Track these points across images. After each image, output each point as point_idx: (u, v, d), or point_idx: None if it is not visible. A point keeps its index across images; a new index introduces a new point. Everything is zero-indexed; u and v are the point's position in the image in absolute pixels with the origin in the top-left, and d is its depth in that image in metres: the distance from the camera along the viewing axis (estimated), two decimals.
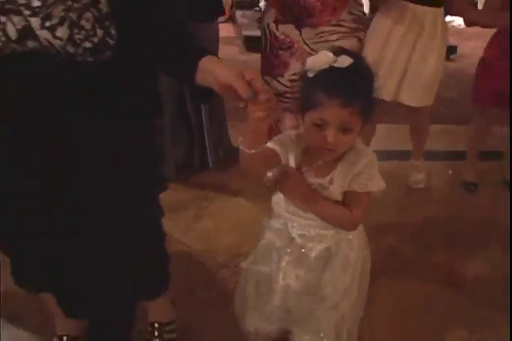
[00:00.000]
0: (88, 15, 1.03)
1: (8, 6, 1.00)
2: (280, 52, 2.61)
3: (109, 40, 1.07)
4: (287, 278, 1.36)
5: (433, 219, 2.67)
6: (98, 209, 1.28)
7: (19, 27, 1.01)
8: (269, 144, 1.25)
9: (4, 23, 1.01)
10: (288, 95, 2.59)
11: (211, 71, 1.06)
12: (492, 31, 2.75)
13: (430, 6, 2.53)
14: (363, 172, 1.23)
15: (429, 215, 2.69)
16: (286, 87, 2.60)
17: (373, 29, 2.62)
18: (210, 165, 2.96)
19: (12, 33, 1.01)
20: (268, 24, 2.60)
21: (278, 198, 1.34)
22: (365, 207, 1.29)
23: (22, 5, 1.00)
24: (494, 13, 2.56)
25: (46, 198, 1.24)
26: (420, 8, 2.52)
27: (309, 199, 1.26)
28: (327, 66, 1.12)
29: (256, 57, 2.90)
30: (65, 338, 1.71)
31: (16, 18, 1.01)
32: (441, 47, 2.64)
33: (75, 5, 1.02)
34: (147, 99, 1.30)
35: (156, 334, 1.79)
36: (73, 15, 1.02)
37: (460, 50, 5.27)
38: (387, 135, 3.40)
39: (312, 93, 1.14)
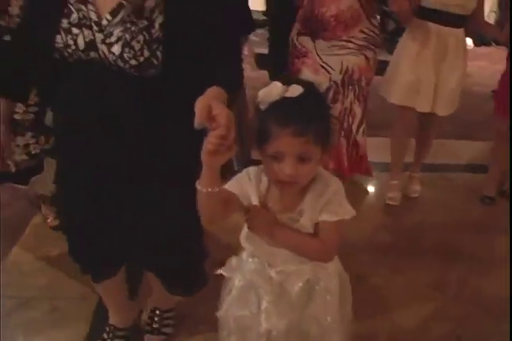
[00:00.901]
0: (140, 37, 1.21)
1: (83, 21, 1.22)
2: (296, 60, 2.87)
3: (154, 61, 1.22)
4: (270, 319, 1.28)
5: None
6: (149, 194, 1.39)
7: (87, 39, 1.22)
8: (227, 186, 1.20)
9: (77, 35, 1.22)
10: None
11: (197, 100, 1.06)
12: (499, 51, 2.91)
13: (454, 26, 2.70)
14: (332, 200, 1.19)
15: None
16: None
17: (402, 49, 2.81)
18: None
19: (81, 43, 1.22)
20: (292, 38, 2.88)
21: (250, 237, 1.27)
22: (337, 235, 1.24)
23: (94, 22, 1.22)
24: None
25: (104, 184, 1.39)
26: (444, 29, 2.69)
27: (279, 235, 1.20)
28: (278, 97, 1.10)
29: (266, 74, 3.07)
30: (112, 328, 1.88)
31: (86, 32, 1.22)
32: (464, 61, 2.81)
33: (132, 28, 1.21)
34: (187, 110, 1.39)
35: (156, 319, 1.94)
36: (128, 37, 1.21)
37: (467, 68, 5.49)
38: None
39: (265, 125, 1.10)
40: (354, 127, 2.94)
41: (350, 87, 2.83)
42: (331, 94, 2.79)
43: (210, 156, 0.98)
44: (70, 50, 1.23)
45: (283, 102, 1.09)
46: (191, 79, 1.20)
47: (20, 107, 2.19)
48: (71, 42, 1.23)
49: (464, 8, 2.66)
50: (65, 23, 1.23)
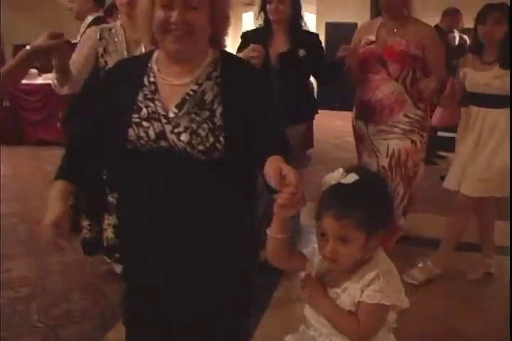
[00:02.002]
0: (204, 126, 1.34)
1: (152, 115, 1.36)
2: (359, 144, 3.01)
3: (218, 145, 1.34)
4: None
5: None
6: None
7: (157, 131, 1.35)
8: (303, 250, 1.37)
9: (148, 127, 1.35)
10: None
11: (265, 166, 1.25)
12: None
13: (489, 107, 2.65)
14: (374, 282, 1.23)
15: None
16: None
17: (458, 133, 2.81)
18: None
19: (152, 134, 1.35)
20: (353, 121, 3.02)
21: (307, 307, 1.37)
22: (375, 320, 1.26)
23: (162, 115, 1.36)
24: None
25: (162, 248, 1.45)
26: (480, 110, 2.65)
27: (322, 306, 1.29)
28: (335, 182, 1.24)
29: None
30: None
31: (156, 124, 1.35)
32: (508, 145, 2.66)
33: (197, 118, 1.35)
34: (246, 192, 1.50)
35: None
36: (194, 126, 1.34)
37: None
38: None
39: (319, 204, 1.25)
40: (394, 209, 2.93)
41: (397, 170, 2.85)
42: None
43: (281, 209, 1.17)
44: (142, 141, 1.36)
45: (336, 187, 1.24)
46: (250, 158, 1.35)
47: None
48: (143, 134, 1.35)
49: (494, 88, 2.62)
50: (135, 117, 1.36)
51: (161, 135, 1.34)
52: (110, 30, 2.42)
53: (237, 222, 1.47)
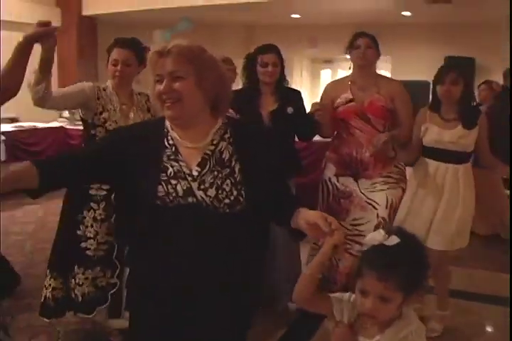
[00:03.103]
0: (228, 181, 1.50)
1: (179, 174, 1.49)
2: (342, 200, 3.03)
3: (240, 198, 1.49)
4: None
5: None
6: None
7: (184, 188, 1.48)
8: (331, 295, 1.45)
9: (176, 184, 1.48)
10: (349, 237, 2.91)
11: (303, 216, 1.45)
12: None
13: (452, 163, 2.77)
14: (408, 338, 1.34)
15: None
16: (348, 229, 2.97)
17: (412, 185, 2.91)
18: None
19: (180, 191, 1.47)
20: (329, 178, 3.08)
21: None
22: None
23: (187, 174, 1.49)
24: None
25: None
26: (443, 165, 2.77)
27: None
28: (378, 243, 1.33)
29: None
30: None
31: (183, 182, 1.48)
32: (469, 198, 2.80)
33: (220, 175, 1.50)
34: (263, 243, 1.65)
35: None
36: (219, 182, 1.49)
37: None
38: None
39: (360, 264, 1.35)
40: None
41: (394, 219, 2.94)
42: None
43: (332, 249, 1.35)
44: (171, 197, 1.48)
45: (379, 248, 1.32)
46: (268, 210, 1.54)
47: (92, 244, 2.56)
48: (171, 190, 1.48)
49: (460, 146, 2.75)
50: (163, 176, 1.49)
51: (188, 191, 1.47)
52: (104, 89, 2.63)
53: (252, 269, 1.59)
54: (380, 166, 2.93)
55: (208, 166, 1.50)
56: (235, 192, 1.48)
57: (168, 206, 1.48)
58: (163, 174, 1.49)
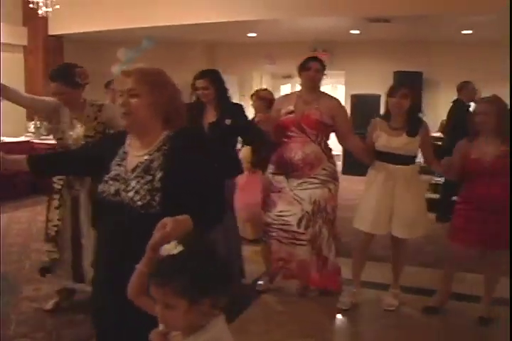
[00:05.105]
0: (145, 187, 1.69)
1: (116, 177, 1.75)
2: (272, 194, 3.54)
3: (153, 203, 1.67)
4: None
5: None
6: None
7: (116, 188, 1.73)
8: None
9: (112, 184, 1.75)
10: (274, 226, 3.51)
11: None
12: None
13: (400, 164, 3.27)
14: None
15: None
16: (273, 220, 3.50)
17: (366, 182, 3.43)
18: None
19: (112, 190, 1.74)
20: (269, 175, 3.60)
21: None
22: None
23: (122, 177, 1.74)
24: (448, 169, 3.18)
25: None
26: (392, 166, 3.28)
27: None
28: (167, 253, 1.32)
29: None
30: None
31: (116, 183, 1.74)
32: (418, 195, 3.36)
33: (141, 181, 1.71)
34: None
35: None
36: (137, 186, 1.70)
37: None
38: None
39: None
40: (323, 246, 3.48)
41: (318, 215, 3.42)
42: (304, 222, 3.41)
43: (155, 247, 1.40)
44: (104, 195, 1.75)
45: (165, 257, 1.32)
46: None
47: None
48: (106, 189, 1.75)
49: (404, 151, 3.25)
50: (106, 177, 1.77)
51: (117, 191, 1.73)
52: (61, 106, 3.16)
53: None
54: (307, 168, 3.39)
55: (136, 172, 1.73)
56: (148, 197, 1.68)
57: (104, 201, 1.76)
58: (107, 175, 1.77)
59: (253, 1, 6.54)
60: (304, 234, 3.41)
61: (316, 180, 3.41)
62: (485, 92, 5.45)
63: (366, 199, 3.39)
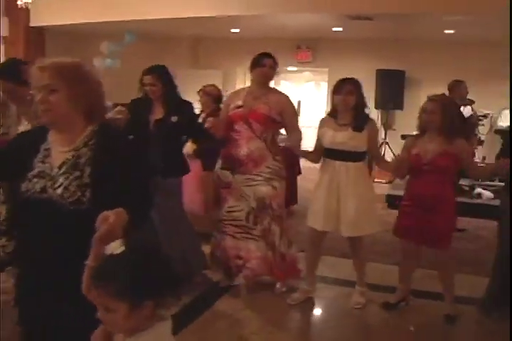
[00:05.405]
0: (74, 183, 1.67)
1: (41, 174, 1.70)
2: (222, 190, 3.56)
3: (83, 199, 1.66)
4: None
5: None
6: None
7: (42, 185, 1.69)
8: None
9: (36, 182, 1.69)
10: (226, 222, 3.53)
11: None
12: None
13: (347, 161, 3.26)
14: None
15: None
16: (224, 215, 3.53)
17: (318, 180, 3.41)
18: None
19: (38, 187, 1.69)
20: (217, 171, 3.62)
21: None
22: None
23: (47, 174, 1.70)
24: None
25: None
26: (338, 163, 3.27)
27: None
28: (110, 252, 1.30)
29: None
30: None
31: (41, 181, 1.69)
32: (365, 192, 3.29)
33: (70, 177, 1.68)
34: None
35: None
36: (66, 183, 1.67)
37: None
38: None
39: None
40: (276, 242, 3.49)
41: (264, 211, 3.43)
42: (252, 217, 3.43)
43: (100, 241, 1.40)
44: (30, 193, 1.70)
45: (108, 257, 1.30)
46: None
47: None
48: (31, 187, 1.69)
49: (350, 146, 3.21)
50: (29, 175, 1.71)
51: (44, 188, 1.68)
52: (8, 102, 3.16)
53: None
54: (251, 165, 3.39)
55: (63, 169, 1.69)
56: (78, 193, 1.65)
57: (29, 200, 1.69)
58: (29, 173, 1.71)
59: None
60: (254, 229, 3.43)
61: (259, 177, 3.42)
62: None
63: (316, 197, 3.37)
